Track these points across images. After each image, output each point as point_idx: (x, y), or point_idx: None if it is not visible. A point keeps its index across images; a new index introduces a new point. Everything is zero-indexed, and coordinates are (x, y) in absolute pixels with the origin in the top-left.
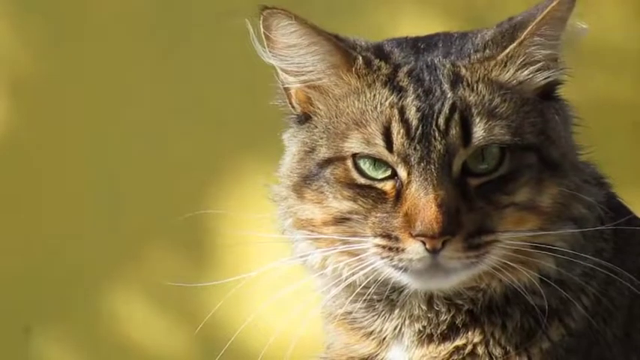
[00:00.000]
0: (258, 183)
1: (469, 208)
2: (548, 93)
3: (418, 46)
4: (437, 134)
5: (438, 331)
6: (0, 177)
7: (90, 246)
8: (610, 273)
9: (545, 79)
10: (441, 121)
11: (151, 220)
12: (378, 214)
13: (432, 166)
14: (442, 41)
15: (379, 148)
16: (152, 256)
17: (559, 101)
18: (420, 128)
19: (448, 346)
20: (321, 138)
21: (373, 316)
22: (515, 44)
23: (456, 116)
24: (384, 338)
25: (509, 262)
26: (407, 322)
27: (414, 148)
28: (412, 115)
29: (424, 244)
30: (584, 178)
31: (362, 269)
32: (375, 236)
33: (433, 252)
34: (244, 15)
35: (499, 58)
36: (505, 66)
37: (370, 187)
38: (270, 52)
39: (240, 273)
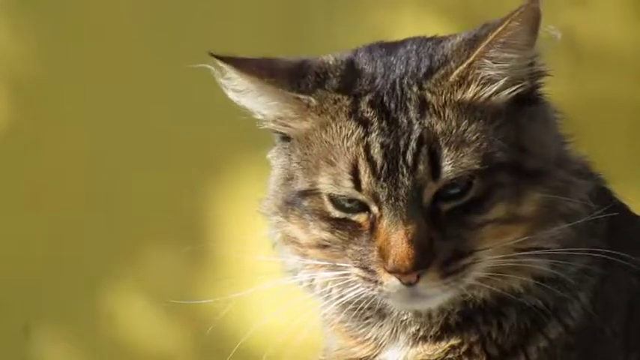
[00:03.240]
0: (258, 183)
1: (442, 235)
2: (523, 100)
3: (390, 61)
4: (404, 170)
5: (431, 333)
6: None
7: (89, 246)
8: (606, 270)
9: (511, 92)
10: (409, 157)
11: (150, 220)
12: (355, 247)
13: (401, 202)
14: (415, 52)
15: (348, 189)
16: (151, 256)
17: (537, 104)
18: (386, 165)
19: (443, 345)
20: (297, 168)
21: (366, 325)
22: (464, 65)
23: (424, 150)
24: (380, 343)
25: (498, 272)
26: (399, 327)
27: (381, 187)
28: (376, 152)
29: (399, 278)
30: (573, 169)
31: (347, 289)
32: (355, 267)
33: (409, 285)
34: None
35: (451, 79)
36: (463, 86)
37: (346, 219)
38: (228, 92)
39: (239, 271)
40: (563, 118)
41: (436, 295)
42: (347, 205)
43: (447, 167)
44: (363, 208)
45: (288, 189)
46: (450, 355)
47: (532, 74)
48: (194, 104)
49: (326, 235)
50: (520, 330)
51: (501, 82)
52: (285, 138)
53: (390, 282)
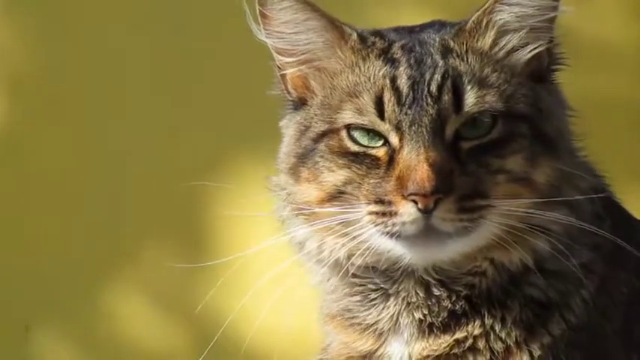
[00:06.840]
0: (257, 181)
1: (462, 170)
2: (540, 75)
3: (414, 29)
4: (429, 100)
5: (439, 319)
6: None
7: (89, 245)
8: (608, 269)
9: (530, 52)
10: (433, 87)
11: (150, 219)
12: (372, 180)
13: (424, 129)
14: (437, 24)
15: (371, 117)
16: (151, 255)
17: (553, 84)
18: (411, 94)
19: (448, 339)
20: (316, 115)
21: (368, 308)
22: (479, 12)
23: (448, 83)
24: (382, 332)
25: (503, 239)
26: (405, 311)
27: (405, 114)
28: (403, 82)
29: (416, 203)
30: (578, 163)
31: (357, 244)
32: (369, 203)
33: (425, 212)
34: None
35: (468, 26)
36: (480, 30)
37: (364, 154)
38: (265, 30)
39: (239, 271)
40: (576, 116)
41: (450, 235)
42: (365, 141)
43: (470, 100)
44: (383, 143)
45: (303, 140)
46: (455, 351)
47: (550, 39)
48: (194, 105)
49: (341, 174)
50: (522, 324)
51: (519, 32)
52: (299, 104)
53: (406, 209)
